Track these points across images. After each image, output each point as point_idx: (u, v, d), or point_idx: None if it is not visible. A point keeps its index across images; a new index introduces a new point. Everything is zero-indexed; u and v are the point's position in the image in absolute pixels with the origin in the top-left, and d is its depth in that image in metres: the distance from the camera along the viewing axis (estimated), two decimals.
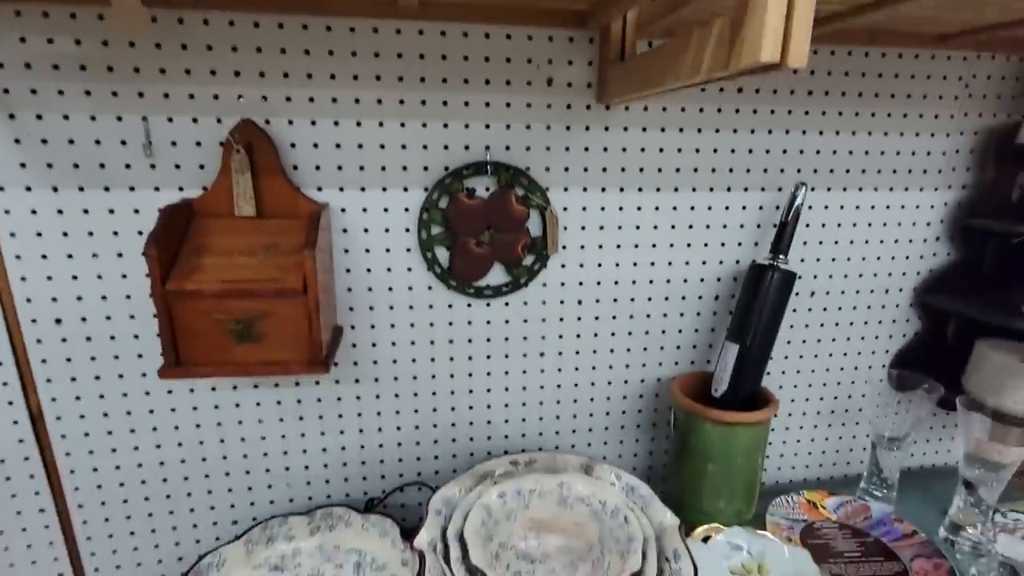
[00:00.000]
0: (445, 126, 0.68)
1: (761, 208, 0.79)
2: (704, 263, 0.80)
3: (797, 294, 0.84)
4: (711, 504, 0.75)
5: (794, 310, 0.84)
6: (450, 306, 0.75)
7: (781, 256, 0.74)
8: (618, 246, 0.77)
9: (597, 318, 0.79)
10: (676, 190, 0.76)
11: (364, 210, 0.69)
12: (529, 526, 0.67)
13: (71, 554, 0.73)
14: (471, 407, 0.80)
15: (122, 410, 0.69)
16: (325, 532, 0.73)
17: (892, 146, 0.79)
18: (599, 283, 0.78)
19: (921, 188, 0.82)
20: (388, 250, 0.71)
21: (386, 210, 0.70)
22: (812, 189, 0.79)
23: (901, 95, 0.77)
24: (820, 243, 0.82)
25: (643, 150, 0.73)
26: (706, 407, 0.72)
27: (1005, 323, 0.78)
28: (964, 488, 0.75)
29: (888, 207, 0.82)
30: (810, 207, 0.80)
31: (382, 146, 0.68)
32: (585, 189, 0.73)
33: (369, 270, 0.72)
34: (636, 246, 0.77)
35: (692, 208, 0.77)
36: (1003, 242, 0.84)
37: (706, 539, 0.71)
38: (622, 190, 0.74)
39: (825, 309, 0.85)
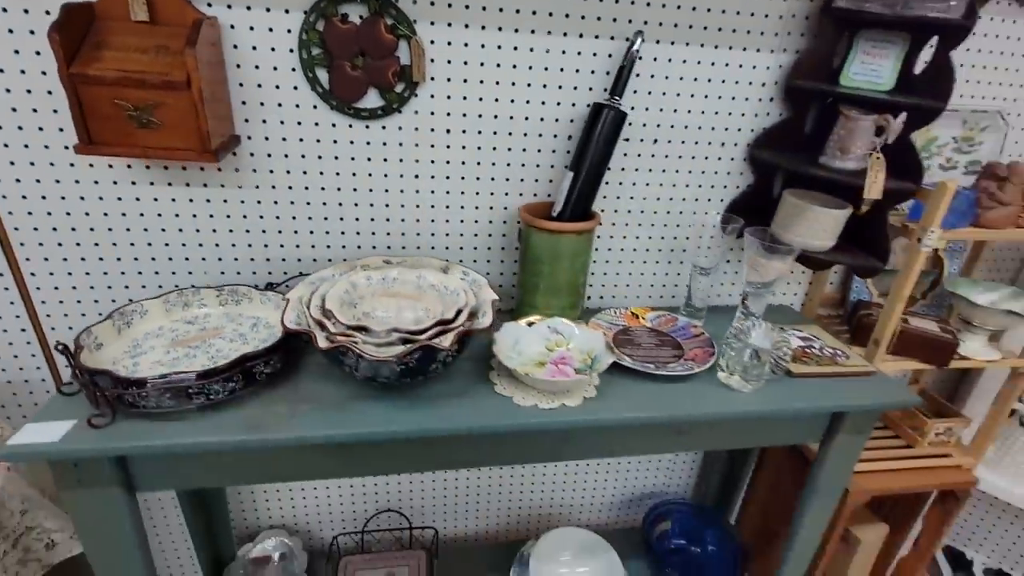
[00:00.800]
0: None
1: (611, 56, 0.90)
2: (559, 104, 0.92)
3: (642, 140, 0.97)
4: (543, 300, 0.94)
5: (638, 155, 0.99)
6: (334, 125, 0.88)
7: (616, 97, 0.87)
8: (481, 82, 0.89)
9: (464, 147, 0.93)
10: (533, 32, 0.87)
11: (251, 28, 0.80)
12: (388, 299, 0.86)
13: (25, 302, 0.91)
14: (357, 218, 0.96)
15: (51, 178, 0.84)
16: (231, 304, 0.91)
17: (732, 5, 0.89)
18: (464, 115, 0.91)
19: (758, 49, 0.93)
20: (275, 68, 0.83)
21: (271, 30, 0.80)
22: (657, 42, 0.90)
23: None
24: (663, 94, 0.94)
25: None
26: (541, 219, 0.88)
27: (806, 172, 0.93)
28: (742, 301, 0.95)
29: (727, 64, 0.94)
30: (655, 59, 0.91)
31: None
32: (450, 24, 0.84)
33: (260, 85, 0.84)
34: (497, 83, 0.89)
35: (547, 51, 0.88)
36: (822, 103, 0.97)
37: (531, 324, 0.91)
38: (484, 28, 0.85)
39: (667, 156, 1.00)
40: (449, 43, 0.85)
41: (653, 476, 1.41)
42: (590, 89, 0.92)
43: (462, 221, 0.99)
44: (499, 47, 0.87)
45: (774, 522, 1.31)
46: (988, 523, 1.52)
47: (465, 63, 0.87)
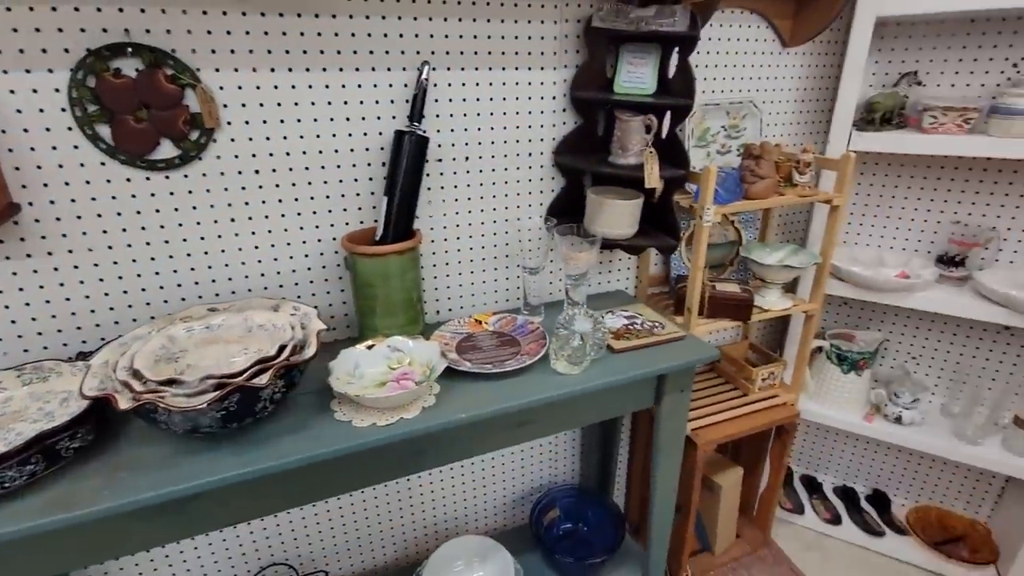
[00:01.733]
0: (76, 10, 0.76)
1: (406, 85, 0.96)
2: (365, 134, 0.97)
3: (454, 159, 1.05)
4: (382, 322, 0.97)
5: (454, 172, 1.06)
6: (128, 180, 0.86)
7: (415, 123, 0.93)
8: (282, 121, 0.91)
9: (278, 185, 0.94)
10: (325, 70, 0.90)
11: (12, 92, 0.76)
12: (213, 347, 0.84)
13: None
14: (175, 270, 0.93)
15: None
16: (37, 383, 0.84)
17: (510, 31, 0.99)
18: (272, 154, 0.92)
19: (542, 67, 1.05)
20: (48, 129, 0.79)
21: (35, 91, 0.77)
22: (448, 68, 0.98)
23: None
24: (465, 115, 1.02)
25: (284, 34, 0.86)
26: (363, 245, 0.92)
27: (599, 171, 1.05)
28: (566, 293, 1.04)
29: (517, 83, 1.04)
30: (448, 84, 0.99)
31: (15, 30, 0.74)
32: (237, 70, 0.86)
33: (33, 149, 0.80)
34: (299, 120, 0.92)
35: (343, 86, 0.92)
36: (605, 109, 1.10)
37: (371, 346, 0.93)
38: (273, 70, 0.88)
39: (481, 171, 1.08)
40: (240, 87, 0.87)
41: (539, 470, 1.48)
42: (394, 117, 0.98)
43: (291, 257, 1.00)
44: (293, 86, 0.90)
45: (647, 487, 1.43)
46: (829, 448, 1.76)
47: (261, 105, 0.89)
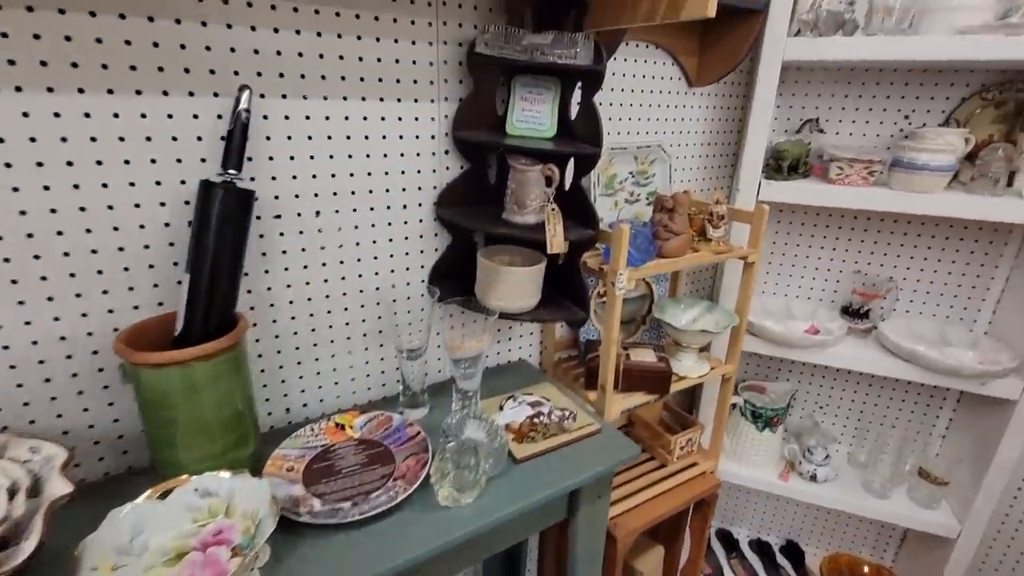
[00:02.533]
0: None
1: (220, 116, 0.69)
2: (159, 183, 0.68)
3: (299, 214, 0.78)
4: (187, 454, 0.67)
5: (300, 232, 0.79)
6: None
7: (232, 171, 0.66)
8: (40, 164, 0.60)
9: (7, 260, 0.62)
10: (83, 92, 0.61)
11: None
12: None
13: None
14: None
15: None
16: None
17: (371, 51, 0.76)
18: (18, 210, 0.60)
19: (416, 99, 0.82)
20: None
21: None
22: (284, 96, 0.72)
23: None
24: (312, 157, 0.77)
25: (36, 37, 0.56)
26: (141, 352, 0.62)
27: (489, 230, 0.84)
28: (453, 386, 0.82)
29: (383, 118, 0.81)
30: (287, 116, 0.73)
31: None
32: None
33: None
34: (40, 164, 0.61)
35: (116, 116, 0.63)
36: (497, 152, 0.90)
37: (166, 494, 0.64)
38: (20, 89, 0.57)
39: (340, 228, 0.82)
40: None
41: None
42: (203, 160, 0.70)
43: (41, 362, 0.67)
44: (26, 114, 0.59)
45: None
46: (743, 503, 1.69)
47: (1, 140, 0.57)
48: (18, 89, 0.58)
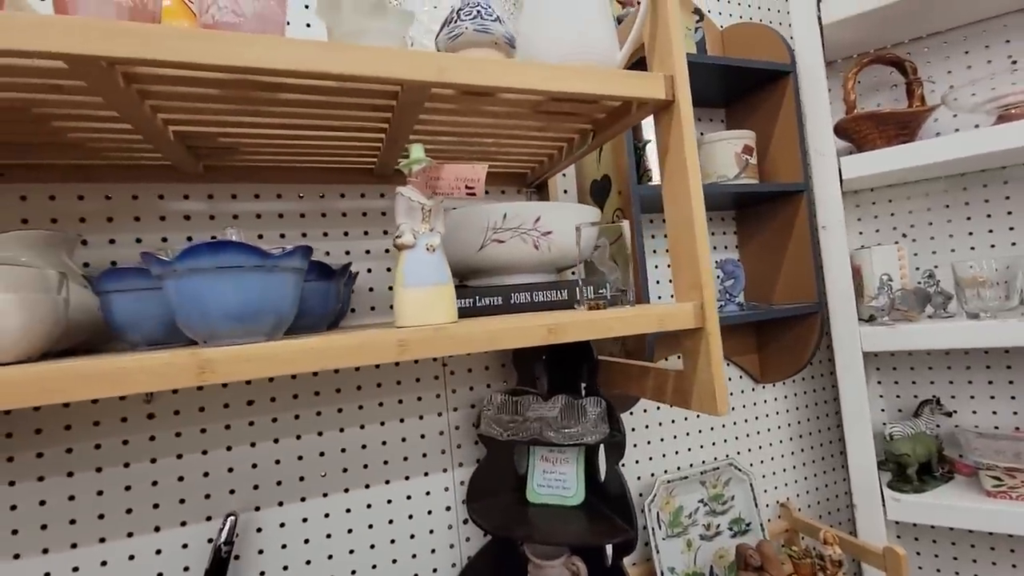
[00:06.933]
0: None
1: (211, 541, 0.66)
2: None
3: None
4: None
5: None
6: None
7: None
8: None
9: None
10: (103, 540, 0.61)
11: None
12: None
13: None
14: None
15: None
16: None
17: (373, 438, 0.74)
18: None
19: (426, 473, 0.76)
20: None
21: None
22: (280, 504, 0.69)
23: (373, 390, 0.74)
24: (309, 563, 0.70)
25: (42, 503, 0.59)
26: None
27: None
28: None
29: (390, 501, 0.74)
30: (282, 524, 0.69)
31: None
32: None
33: None
34: None
35: (104, 564, 0.62)
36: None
37: None
38: None
39: None
40: None
41: None
42: None
43: None
44: (15, 556, 0.59)
45: None
46: None
47: None
48: (16, 556, 0.59)
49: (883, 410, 1.07)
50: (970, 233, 0.99)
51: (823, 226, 0.93)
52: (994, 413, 0.98)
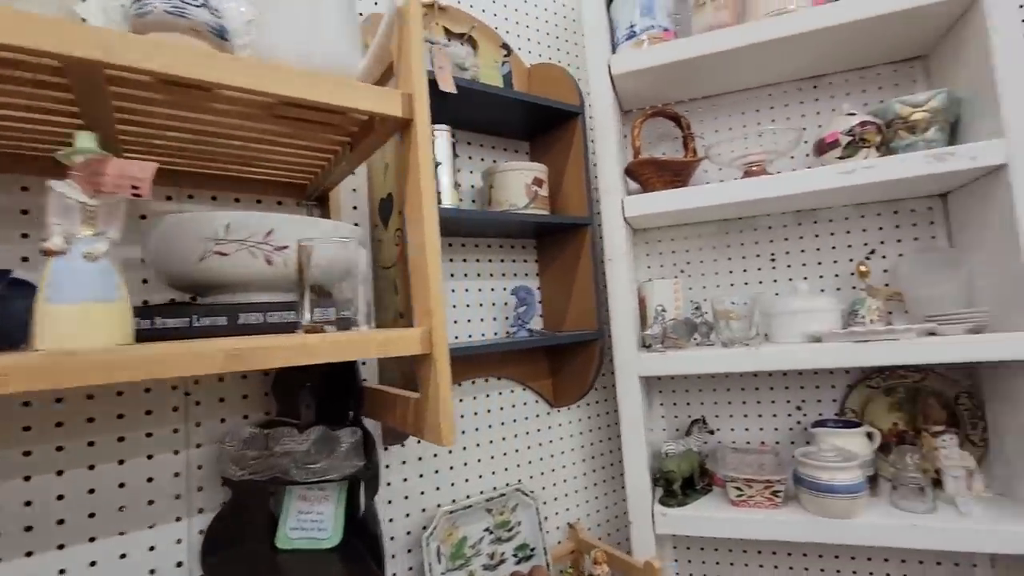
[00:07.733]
0: None
1: None
2: None
3: None
4: None
5: None
6: None
7: None
8: None
9: None
10: None
11: None
12: None
13: None
14: None
15: None
16: None
17: (81, 482, 0.61)
18: None
19: (151, 525, 0.64)
20: None
21: None
22: None
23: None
24: None
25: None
26: None
27: None
28: None
29: (124, 556, 0.61)
30: None
31: None
32: None
33: None
34: None
35: None
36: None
37: None
38: None
39: None
40: None
41: None
42: None
43: None
44: None
45: None
46: None
47: None
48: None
49: (664, 430, 1.16)
50: (730, 272, 1.14)
51: (609, 258, 0.99)
52: (746, 430, 1.12)
